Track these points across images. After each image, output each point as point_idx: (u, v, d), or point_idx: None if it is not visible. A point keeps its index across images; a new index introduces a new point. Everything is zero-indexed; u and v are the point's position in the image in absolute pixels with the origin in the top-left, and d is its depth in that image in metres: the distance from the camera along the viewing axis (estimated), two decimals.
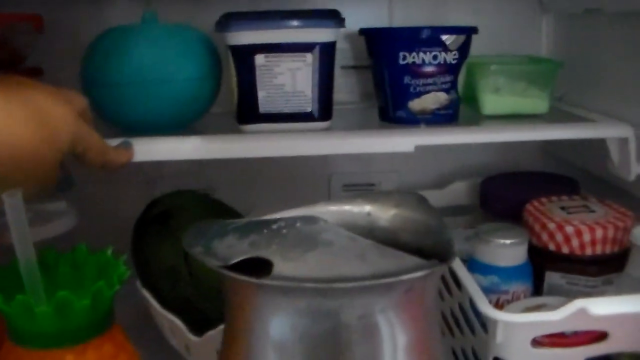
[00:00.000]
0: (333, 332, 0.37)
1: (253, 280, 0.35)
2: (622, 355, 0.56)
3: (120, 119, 0.64)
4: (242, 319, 0.39)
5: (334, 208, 0.48)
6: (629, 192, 0.69)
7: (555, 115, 0.70)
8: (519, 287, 0.60)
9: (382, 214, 0.47)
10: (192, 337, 0.61)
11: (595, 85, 0.75)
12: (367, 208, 0.48)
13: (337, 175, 0.88)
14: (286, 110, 0.63)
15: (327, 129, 0.64)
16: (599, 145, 0.67)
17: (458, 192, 0.82)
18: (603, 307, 0.50)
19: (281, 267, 0.36)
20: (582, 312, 0.49)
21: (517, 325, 0.50)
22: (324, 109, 0.64)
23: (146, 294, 0.65)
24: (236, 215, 0.72)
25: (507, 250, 0.60)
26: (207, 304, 0.65)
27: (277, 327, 0.37)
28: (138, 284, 0.66)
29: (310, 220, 0.41)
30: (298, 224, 0.40)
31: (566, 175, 0.78)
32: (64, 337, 0.45)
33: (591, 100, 0.75)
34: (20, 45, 0.70)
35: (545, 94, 0.69)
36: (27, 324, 0.44)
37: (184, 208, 0.69)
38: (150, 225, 0.69)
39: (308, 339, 0.37)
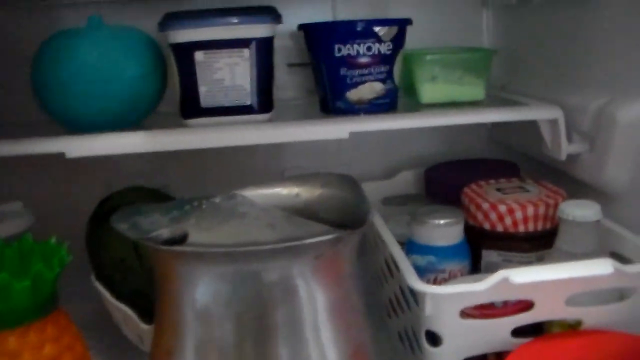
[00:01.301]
0: (254, 296, 0.39)
1: (165, 248, 0.37)
2: (553, 324, 0.58)
3: (69, 118, 0.66)
4: (168, 291, 0.41)
5: (265, 191, 0.50)
6: (563, 172, 0.72)
7: (491, 102, 0.73)
8: (455, 265, 0.63)
9: (310, 194, 0.50)
10: (144, 326, 0.63)
11: (532, 73, 0.78)
12: (296, 190, 0.50)
13: (290, 170, 0.90)
14: (227, 103, 0.65)
15: (267, 121, 0.66)
16: (535, 128, 0.69)
17: (405, 181, 0.85)
18: (524, 275, 0.52)
19: (196, 236, 0.38)
20: (505, 281, 0.52)
21: (444, 297, 0.52)
22: (264, 102, 0.66)
23: (99, 286, 0.67)
24: None
25: (442, 230, 0.62)
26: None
27: (200, 294, 0.39)
28: (92, 277, 0.68)
29: (230, 197, 0.43)
30: (217, 200, 0.42)
31: (508, 160, 0.81)
32: (5, 319, 0.47)
33: (529, 87, 0.77)
34: None
35: (480, 81, 0.72)
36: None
37: (133, 204, 0.71)
38: (102, 221, 0.70)
39: (231, 304, 0.39)
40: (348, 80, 0.67)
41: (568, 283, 0.53)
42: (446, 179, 0.77)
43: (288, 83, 0.84)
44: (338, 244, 0.40)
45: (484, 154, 0.88)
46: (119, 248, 0.67)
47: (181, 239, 0.39)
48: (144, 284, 0.67)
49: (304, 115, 0.71)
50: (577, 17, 0.69)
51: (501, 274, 0.52)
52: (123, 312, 0.64)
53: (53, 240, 0.52)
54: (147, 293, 0.66)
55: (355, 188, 0.49)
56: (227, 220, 0.40)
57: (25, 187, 0.85)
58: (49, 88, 0.65)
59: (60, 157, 0.63)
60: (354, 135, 0.65)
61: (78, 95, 0.64)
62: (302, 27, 0.70)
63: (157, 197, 0.74)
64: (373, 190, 0.81)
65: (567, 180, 0.71)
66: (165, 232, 0.40)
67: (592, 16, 0.67)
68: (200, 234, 0.38)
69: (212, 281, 0.39)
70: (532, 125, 0.69)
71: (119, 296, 0.66)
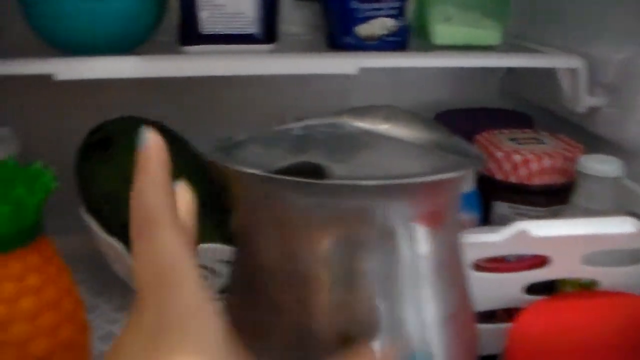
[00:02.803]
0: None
1: (331, 182, 0.32)
2: (565, 283, 0.55)
3: (59, 38, 0.61)
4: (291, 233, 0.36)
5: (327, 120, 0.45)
6: (579, 126, 0.68)
7: (508, 48, 0.68)
8: (464, 216, 0.59)
9: (374, 127, 0.44)
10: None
11: (551, 20, 0.74)
12: (358, 123, 0.45)
13: (290, 109, 0.86)
14: (228, 31, 0.60)
15: (270, 52, 0.62)
16: (552, 79, 0.65)
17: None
18: (544, 229, 0.48)
19: (338, 169, 0.34)
20: (523, 233, 0.48)
21: None
22: (268, 32, 0.61)
23: (88, 219, 0.63)
24: (182, 141, 0.69)
25: None
26: None
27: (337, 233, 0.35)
28: (81, 210, 0.64)
29: (332, 124, 0.39)
30: (327, 129, 0.38)
31: (521, 111, 0.77)
32: (14, 240, 0.44)
33: (547, 36, 0.73)
34: None
35: (498, 24, 0.67)
36: None
37: (126, 134, 0.67)
38: (92, 151, 0.66)
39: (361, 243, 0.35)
40: (358, 14, 0.62)
41: (587, 240, 0.50)
42: (457, 125, 0.72)
43: (294, 18, 0.79)
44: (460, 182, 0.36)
45: (493, 104, 0.84)
46: (110, 180, 0.63)
47: (315, 172, 0.34)
48: None
49: (309, 49, 0.66)
50: None
51: (519, 225, 0.48)
52: (113, 247, 0.61)
53: (38, 164, 0.48)
54: None
55: (428, 124, 0.43)
56: (358, 150, 0.36)
57: (15, 114, 0.80)
58: (37, 4, 0.60)
59: (51, 82, 0.58)
60: (360, 76, 0.61)
61: (69, 12, 0.58)
62: None
63: (153, 128, 0.70)
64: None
65: (583, 135, 0.67)
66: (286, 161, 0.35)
67: None
68: (338, 166, 0.34)
69: (360, 217, 0.34)
70: (549, 75, 0.65)
71: (109, 230, 0.62)
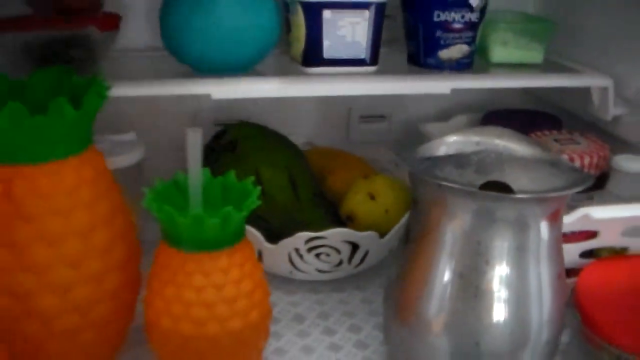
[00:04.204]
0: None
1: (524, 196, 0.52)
2: (603, 250, 0.75)
3: (202, 60, 0.75)
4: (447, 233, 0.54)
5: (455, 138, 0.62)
6: (602, 129, 0.87)
7: (548, 66, 0.87)
8: None
9: (489, 142, 0.62)
10: (268, 245, 0.75)
11: (584, 42, 0.92)
12: (476, 138, 0.62)
13: (355, 108, 1.03)
14: (345, 56, 0.77)
15: (375, 72, 0.78)
16: (583, 91, 0.84)
17: (459, 124, 0.99)
18: (601, 212, 0.68)
19: (515, 184, 0.52)
20: (586, 216, 0.67)
21: None
22: (374, 56, 0.78)
23: None
24: (288, 142, 0.86)
25: None
26: (273, 218, 0.79)
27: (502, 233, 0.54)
28: None
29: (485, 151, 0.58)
30: (491, 154, 0.57)
31: (549, 112, 0.96)
32: (222, 241, 0.57)
33: (581, 55, 0.91)
34: None
35: (542, 47, 0.86)
36: (197, 233, 0.56)
37: (248, 137, 0.83)
38: (221, 152, 0.81)
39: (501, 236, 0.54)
40: (442, 42, 0.80)
41: (627, 219, 0.69)
42: (505, 126, 0.91)
43: None
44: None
45: (523, 104, 1.03)
46: (240, 177, 0.77)
47: (497, 187, 0.52)
48: (263, 209, 0.79)
49: (395, 67, 0.83)
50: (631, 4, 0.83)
51: (583, 210, 0.68)
52: (249, 232, 0.76)
53: (250, 182, 0.61)
54: (264, 217, 0.78)
55: (534, 144, 0.61)
56: (502, 168, 0.55)
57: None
58: (185, 32, 0.73)
59: None
60: None
61: (216, 40, 0.73)
62: None
63: (265, 132, 0.85)
64: (435, 130, 0.94)
65: (606, 135, 0.86)
66: (477, 180, 0.55)
67: None
68: (515, 183, 0.53)
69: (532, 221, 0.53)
70: (581, 88, 0.84)
71: None
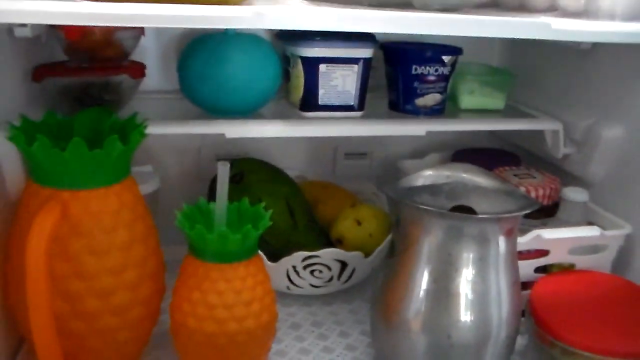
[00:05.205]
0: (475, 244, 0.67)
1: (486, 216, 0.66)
2: (554, 266, 0.89)
3: (217, 106, 0.88)
4: (421, 250, 0.68)
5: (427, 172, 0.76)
6: (555, 165, 1.02)
7: (508, 111, 1.02)
8: None
9: (456, 177, 0.76)
10: (269, 263, 0.87)
11: (535, 88, 1.07)
12: (446, 172, 0.75)
13: (341, 146, 1.17)
14: (337, 103, 0.90)
15: (362, 117, 0.92)
16: (537, 132, 0.99)
17: (434, 161, 1.12)
18: (550, 233, 0.82)
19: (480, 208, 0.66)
20: (538, 237, 0.81)
21: None
22: (361, 102, 0.92)
23: None
24: (285, 175, 0.99)
25: None
26: (273, 240, 0.91)
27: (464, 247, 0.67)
28: None
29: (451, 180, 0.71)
30: (457, 182, 0.71)
31: (509, 151, 1.11)
32: (241, 255, 0.69)
33: (532, 100, 1.06)
34: (127, 45, 0.91)
35: (503, 95, 1.01)
36: (221, 247, 0.68)
37: (252, 171, 0.95)
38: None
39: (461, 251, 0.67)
40: (418, 91, 0.94)
41: (572, 239, 0.83)
42: (471, 162, 1.05)
43: None
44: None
45: (488, 144, 1.17)
46: None
47: (464, 209, 0.67)
48: (265, 233, 0.91)
49: (378, 112, 0.96)
50: (577, 62, 0.99)
51: (535, 232, 0.81)
52: None
53: (262, 206, 0.73)
54: (268, 240, 0.90)
55: (494, 177, 0.75)
56: (468, 195, 0.69)
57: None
58: (204, 82, 0.86)
59: None
60: None
61: (231, 89, 0.86)
62: (386, 46, 0.96)
63: (267, 166, 0.98)
64: (411, 167, 1.08)
65: (556, 170, 1.01)
66: (448, 205, 0.69)
67: (591, 61, 0.97)
68: (480, 207, 0.68)
69: (478, 236, 0.67)
70: (537, 130, 0.99)
71: None
